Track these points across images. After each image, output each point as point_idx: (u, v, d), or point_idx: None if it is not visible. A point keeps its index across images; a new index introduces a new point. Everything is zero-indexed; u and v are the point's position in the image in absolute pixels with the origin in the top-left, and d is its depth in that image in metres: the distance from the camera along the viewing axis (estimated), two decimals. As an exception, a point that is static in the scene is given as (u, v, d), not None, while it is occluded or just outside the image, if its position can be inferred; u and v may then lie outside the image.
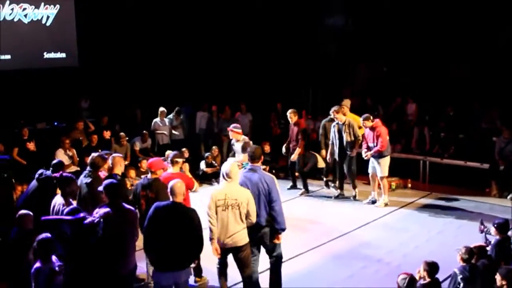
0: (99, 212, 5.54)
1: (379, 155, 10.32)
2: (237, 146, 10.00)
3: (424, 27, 14.73)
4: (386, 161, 10.37)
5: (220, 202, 6.23)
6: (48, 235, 5.70)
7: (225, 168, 6.37)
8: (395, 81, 15.90)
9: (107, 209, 5.57)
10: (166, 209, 5.79)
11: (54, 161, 8.03)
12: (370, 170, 10.68)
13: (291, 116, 11.41)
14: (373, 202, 10.75)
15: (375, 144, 10.29)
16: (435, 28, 14.56)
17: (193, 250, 5.84)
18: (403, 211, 10.38)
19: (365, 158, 10.52)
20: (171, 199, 5.83)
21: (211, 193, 6.33)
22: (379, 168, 10.37)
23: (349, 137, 10.71)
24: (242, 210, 6.21)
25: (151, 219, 5.78)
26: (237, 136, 9.97)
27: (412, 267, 6.32)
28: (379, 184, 10.79)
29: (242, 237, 6.31)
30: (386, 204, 10.54)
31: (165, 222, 5.72)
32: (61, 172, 7.31)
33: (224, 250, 6.38)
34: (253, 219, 6.29)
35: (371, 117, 10.48)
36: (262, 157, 6.81)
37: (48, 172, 7.68)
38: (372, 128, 10.35)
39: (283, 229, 6.53)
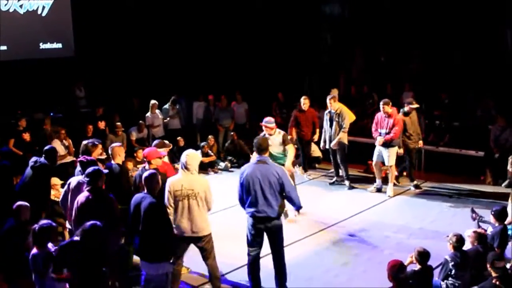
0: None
1: (388, 144, 10.28)
2: (274, 140, 9.13)
3: (421, 14, 14.69)
4: (394, 150, 10.35)
5: (177, 192, 6.27)
6: (48, 221, 5.82)
7: (183, 158, 6.38)
8: (392, 69, 15.88)
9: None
10: (142, 201, 5.90)
11: (46, 148, 8.01)
12: (375, 158, 10.68)
13: (306, 102, 11.38)
14: (378, 190, 10.78)
15: (387, 130, 10.24)
16: (432, 16, 14.51)
17: (162, 245, 5.87)
18: (397, 199, 10.43)
19: (378, 145, 10.39)
20: (145, 191, 5.95)
21: (168, 183, 6.35)
22: (387, 157, 10.36)
23: (337, 126, 10.75)
24: (199, 200, 6.26)
25: (131, 212, 5.98)
26: (270, 131, 9.22)
27: (405, 254, 6.39)
28: (384, 172, 10.90)
29: (204, 227, 6.37)
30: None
31: (139, 214, 5.88)
32: (84, 156, 7.29)
33: (183, 238, 6.39)
34: (209, 206, 6.38)
35: (391, 103, 10.40)
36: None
37: (43, 160, 7.73)
38: (388, 115, 10.29)
39: (300, 207, 6.83)
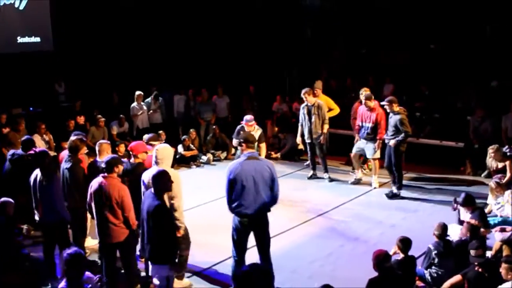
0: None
1: (373, 138, 10.33)
2: None
3: (402, 7, 14.77)
4: (379, 144, 10.34)
5: (149, 185, 6.09)
6: (76, 248, 5.26)
7: (154, 152, 6.32)
8: (373, 62, 15.97)
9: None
10: (145, 201, 5.77)
11: (23, 138, 7.97)
12: (354, 150, 10.73)
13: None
14: (358, 181, 10.86)
15: (371, 124, 10.23)
16: (413, 9, 14.60)
17: (163, 247, 5.69)
18: (379, 191, 10.46)
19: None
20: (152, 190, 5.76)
21: (143, 177, 6.32)
22: (372, 150, 10.37)
23: (317, 119, 10.76)
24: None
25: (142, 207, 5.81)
26: (249, 128, 9.53)
27: (389, 244, 6.47)
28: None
29: None
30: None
31: (146, 213, 5.72)
32: (33, 149, 7.30)
33: None
34: (176, 202, 6.10)
35: (373, 97, 10.37)
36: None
37: (19, 152, 7.68)
38: (370, 109, 10.28)
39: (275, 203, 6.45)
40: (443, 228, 6.45)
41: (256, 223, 6.31)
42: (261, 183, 6.16)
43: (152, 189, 5.70)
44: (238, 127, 9.86)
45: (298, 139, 11.33)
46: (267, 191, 6.21)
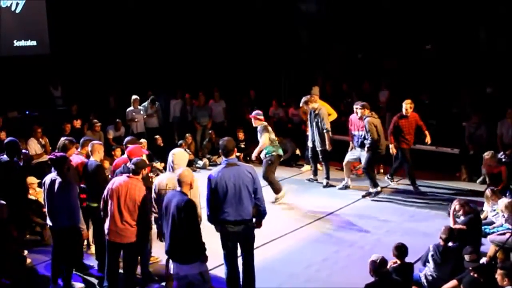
0: None
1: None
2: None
3: (397, 12, 14.83)
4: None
5: (162, 191, 6.17)
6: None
7: (170, 157, 6.34)
8: (369, 66, 16.01)
9: None
10: (172, 199, 5.71)
11: (6, 141, 7.87)
12: (348, 158, 10.76)
13: (410, 106, 10.49)
14: (346, 187, 10.88)
15: (363, 132, 10.20)
16: (408, 13, 14.65)
17: (193, 244, 5.67)
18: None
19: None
20: (178, 189, 5.74)
21: (155, 182, 6.33)
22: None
23: (316, 126, 10.78)
24: None
25: (164, 209, 5.79)
26: (259, 123, 9.77)
27: (385, 250, 6.46)
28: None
29: None
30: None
31: (170, 212, 5.69)
32: (53, 153, 7.29)
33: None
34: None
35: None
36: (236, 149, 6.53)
37: (4, 157, 7.62)
38: (361, 118, 10.23)
39: (265, 214, 6.50)
40: (449, 232, 6.47)
41: (243, 229, 6.24)
42: (243, 188, 6.13)
43: (178, 188, 5.70)
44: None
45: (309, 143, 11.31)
46: (249, 196, 6.19)
